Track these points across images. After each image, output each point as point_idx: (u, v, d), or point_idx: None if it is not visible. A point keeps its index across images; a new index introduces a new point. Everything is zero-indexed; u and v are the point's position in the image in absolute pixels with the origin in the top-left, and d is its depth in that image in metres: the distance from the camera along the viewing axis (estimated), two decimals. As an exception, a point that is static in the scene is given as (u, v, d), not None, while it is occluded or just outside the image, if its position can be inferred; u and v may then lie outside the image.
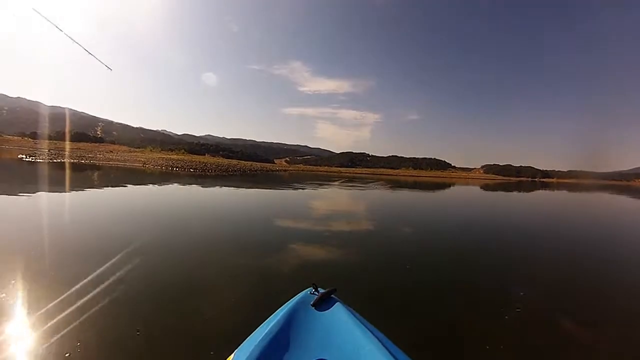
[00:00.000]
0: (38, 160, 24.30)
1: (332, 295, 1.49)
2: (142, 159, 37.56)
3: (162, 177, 18.90)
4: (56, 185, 10.88)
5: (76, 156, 33.13)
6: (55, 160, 25.98)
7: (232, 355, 1.27)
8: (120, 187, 11.29)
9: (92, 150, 51.31)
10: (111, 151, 53.33)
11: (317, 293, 1.49)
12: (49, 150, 37.39)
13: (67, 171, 18.10)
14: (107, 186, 11.46)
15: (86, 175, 16.54)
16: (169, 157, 46.18)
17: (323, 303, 1.43)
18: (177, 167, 30.02)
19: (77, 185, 11.06)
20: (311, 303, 1.41)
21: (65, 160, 27.58)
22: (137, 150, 66.01)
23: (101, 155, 40.23)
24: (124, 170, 21.50)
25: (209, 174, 26.56)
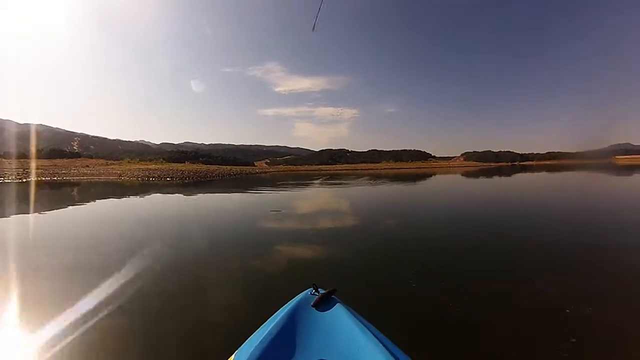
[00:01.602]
0: (6, 181, 23.67)
1: (333, 296, 1.50)
2: (118, 171, 36.97)
3: (137, 188, 18.78)
4: (18, 206, 10.76)
5: (49, 173, 32.31)
6: (24, 180, 25.35)
7: (233, 356, 1.29)
8: (90, 202, 11.25)
9: (67, 166, 49.87)
10: (87, 166, 51.96)
11: (317, 293, 1.50)
12: (21, 170, 36.25)
13: (33, 190, 17.64)
14: (81, 201, 11.48)
15: (55, 193, 16.34)
16: (146, 167, 45.39)
17: (323, 303, 1.43)
18: (153, 177, 29.83)
19: (43, 205, 11.01)
20: (312, 303, 1.42)
21: (34, 178, 26.92)
22: (114, 162, 64.41)
23: (76, 171, 39.27)
24: (98, 185, 21.24)
25: (186, 181, 26.35)
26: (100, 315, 2.60)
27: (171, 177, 29.83)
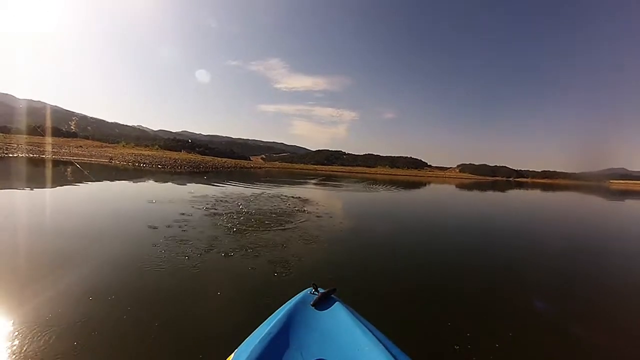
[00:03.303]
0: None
1: (332, 295, 1.49)
2: (111, 155, 36.45)
3: (123, 173, 18.51)
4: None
5: (37, 151, 31.74)
6: (10, 155, 24.90)
7: (232, 355, 1.27)
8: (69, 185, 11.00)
9: (61, 145, 49.28)
10: (80, 146, 51.34)
11: (317, 293, 1.49)
12: (12, 144, 35.67)
13: (16, 166, 17.41)
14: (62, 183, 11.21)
15: (36, 170, 15.99)
16: (140, 152, 44.91)
17: (323, 303, 1.43)
18: (144, 163, 29.39)
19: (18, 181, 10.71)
20: (311, 303, 1.41)
21: (21, 155, 26.45)
22: (109, 145, 63.81)
23: (66, 151, 38.71)
24: (84, 166, 20.88)
25: (179, 170, 26.21)
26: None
27: (163, 165, 29.47)
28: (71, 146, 49.78)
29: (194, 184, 14.52)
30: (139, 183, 13.41)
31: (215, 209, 7.07)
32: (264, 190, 12.62)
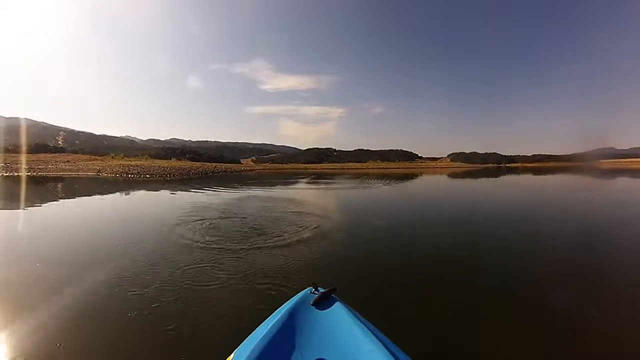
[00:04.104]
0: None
1: (332, 295, 1.50)
2: (98, 167, 36.35)
3: (107, 186, 18.47)
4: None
5: (23, 168, 31.57)
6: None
7: (232, 355, 1.28)
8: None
9: (48, 161, 48.90)
10: (68, 161, 51.01)
11: (317, 292, 1.49)
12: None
13: None
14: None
15: (18, 189, 15.98)
16: (127, 163, 44.78)
17: (323, 302, 1.44)
18: (132, 174, 29.33)
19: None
20: (311, 302, 1.42)
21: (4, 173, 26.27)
22: (98, 158, 63.39)
23: (53, 166, 38.50)
24: (71, 180, 20.85)
25: (168, 178, 25.59)
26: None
27: (151, 174, 29.41)
28: (59, 161, 49.48)
29: (181, 192, 14.58)
30: (119, 196, 12.93)
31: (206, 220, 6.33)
32: (265, 194, 12.36)
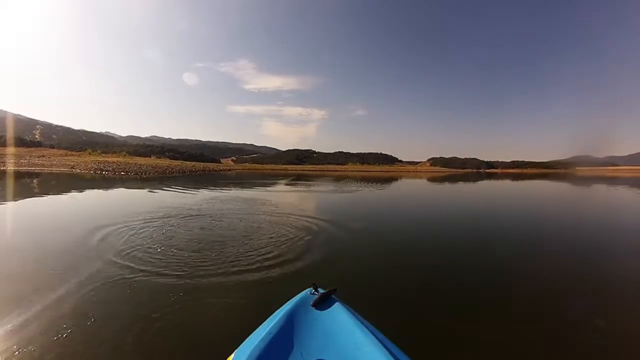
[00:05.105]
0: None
1: (332, 295, 1.50)
2: (72, 163, 36.01)
3: (74, 182, 18.55)
4: None
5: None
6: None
7: (232, 355, 1.29)
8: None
9: (22, 155, 47.73)
10: (43, 155, 49.89)
11: (317, 293, 1.51)
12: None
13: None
14: None
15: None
16: (104, 160, 44.30)
17: (323, 303, 1.44)
18: (107, 171, 29.40)
19: None
20: (311, 303, 1.43)
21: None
22: (74, 154, 62.00)
23: (25, 161, 37.82)
24: (35, 176, 20.86)
25: (144, 176, 25.50)
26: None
27: (126, 172, 29.50)
28: (33, 156, 48.40)
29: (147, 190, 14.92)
30: (85, 194, 11.97)
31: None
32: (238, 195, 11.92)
